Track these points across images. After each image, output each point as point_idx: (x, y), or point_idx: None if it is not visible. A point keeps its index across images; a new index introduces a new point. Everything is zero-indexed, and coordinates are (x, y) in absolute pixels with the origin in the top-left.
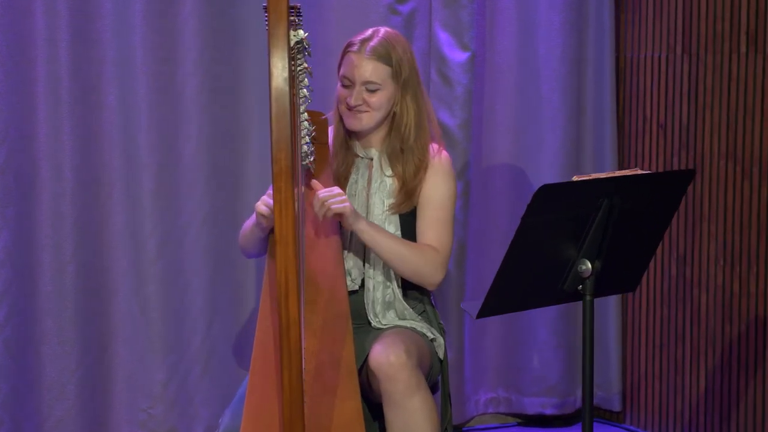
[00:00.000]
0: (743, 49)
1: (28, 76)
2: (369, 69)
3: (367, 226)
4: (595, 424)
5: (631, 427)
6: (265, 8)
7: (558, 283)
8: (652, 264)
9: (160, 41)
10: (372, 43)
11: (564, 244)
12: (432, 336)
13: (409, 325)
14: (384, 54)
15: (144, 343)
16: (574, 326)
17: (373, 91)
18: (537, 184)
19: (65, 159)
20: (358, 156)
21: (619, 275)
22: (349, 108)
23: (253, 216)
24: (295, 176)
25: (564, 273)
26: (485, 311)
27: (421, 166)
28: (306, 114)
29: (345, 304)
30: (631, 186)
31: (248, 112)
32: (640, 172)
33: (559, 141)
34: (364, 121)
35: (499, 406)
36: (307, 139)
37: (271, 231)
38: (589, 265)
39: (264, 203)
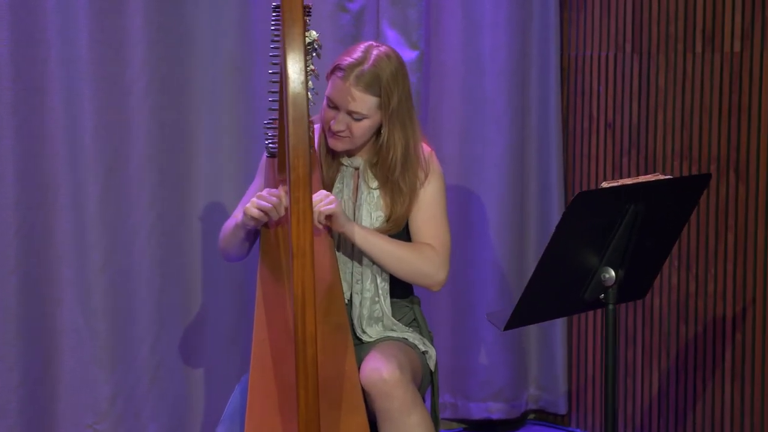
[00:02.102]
0: (699, 48)
1: None
2: (355, 99)
3: (359, 228)
4: (538, 428)
5: (577, 430)
6: (276, 8)
7: (579, 292)
8: None
9: (105, 39)
10: (359, 72)
11: (587, 253)
12: (424, 348)
13: (401, 336)
14: (372, 83)
15: (89, 356)
16: (520, 329)
17: (358, 120)
18: (482, 186)
19: (8, 164)
20: (342, 164)
21: (635, 282)
22: (331, 131)
23: (235, 216)
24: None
25: (585, 282)
26: (514, 323)
27: (408, 199)
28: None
29: (344, 315)
30: (654, 191)
31: (196, 113)
32: (662, 177)
33: (504, 141)
34: (345, 145)
35: (444, 412)
36: None
37: (258, 233)
38: (613, 274)
39: (256, 206)
